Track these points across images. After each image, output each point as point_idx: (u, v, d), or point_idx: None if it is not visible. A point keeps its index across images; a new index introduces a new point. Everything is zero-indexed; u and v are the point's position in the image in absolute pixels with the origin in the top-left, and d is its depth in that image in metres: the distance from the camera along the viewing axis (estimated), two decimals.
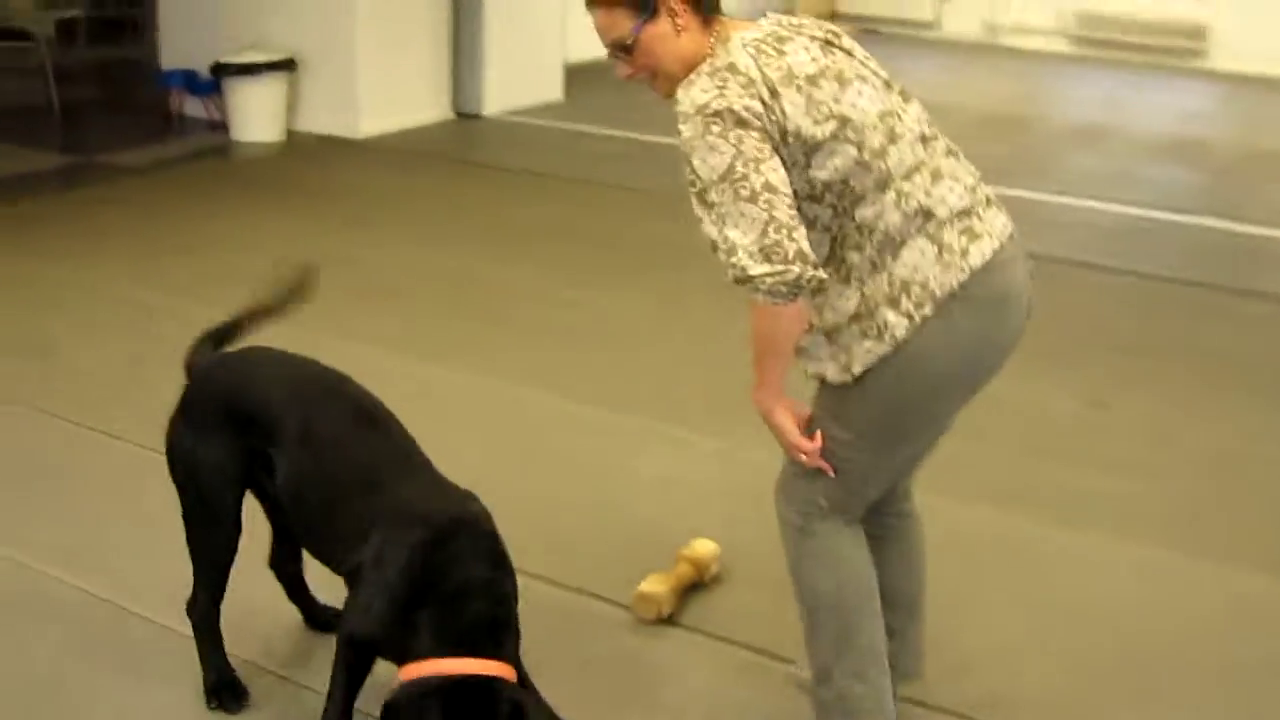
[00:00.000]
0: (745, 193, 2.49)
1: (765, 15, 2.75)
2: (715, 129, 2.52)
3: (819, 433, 2.72)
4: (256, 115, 8.65)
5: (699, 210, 2.56)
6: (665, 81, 2.70)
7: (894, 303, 2.59)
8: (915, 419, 2.74)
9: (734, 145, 2.51)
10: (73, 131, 8.97)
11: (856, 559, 2.83)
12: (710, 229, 2.55)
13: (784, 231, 2.48)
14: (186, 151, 8.54)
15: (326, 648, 2.98)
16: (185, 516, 3.10)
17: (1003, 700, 3.32)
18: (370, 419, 3.06)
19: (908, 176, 2.63)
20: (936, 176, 2.66)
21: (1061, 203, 8.04)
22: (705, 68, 2.60)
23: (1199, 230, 7.86)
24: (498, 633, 2.75)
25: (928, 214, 2.62)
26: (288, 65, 8.69)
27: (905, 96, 2.74)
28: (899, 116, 2.67)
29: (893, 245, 2.60)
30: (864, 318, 2.61)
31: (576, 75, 10.96)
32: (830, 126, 2.57)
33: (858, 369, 2.63)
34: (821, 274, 2.52)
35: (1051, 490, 4.43)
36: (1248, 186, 9.04)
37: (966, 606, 3.66)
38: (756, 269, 2.49)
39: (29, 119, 9.06)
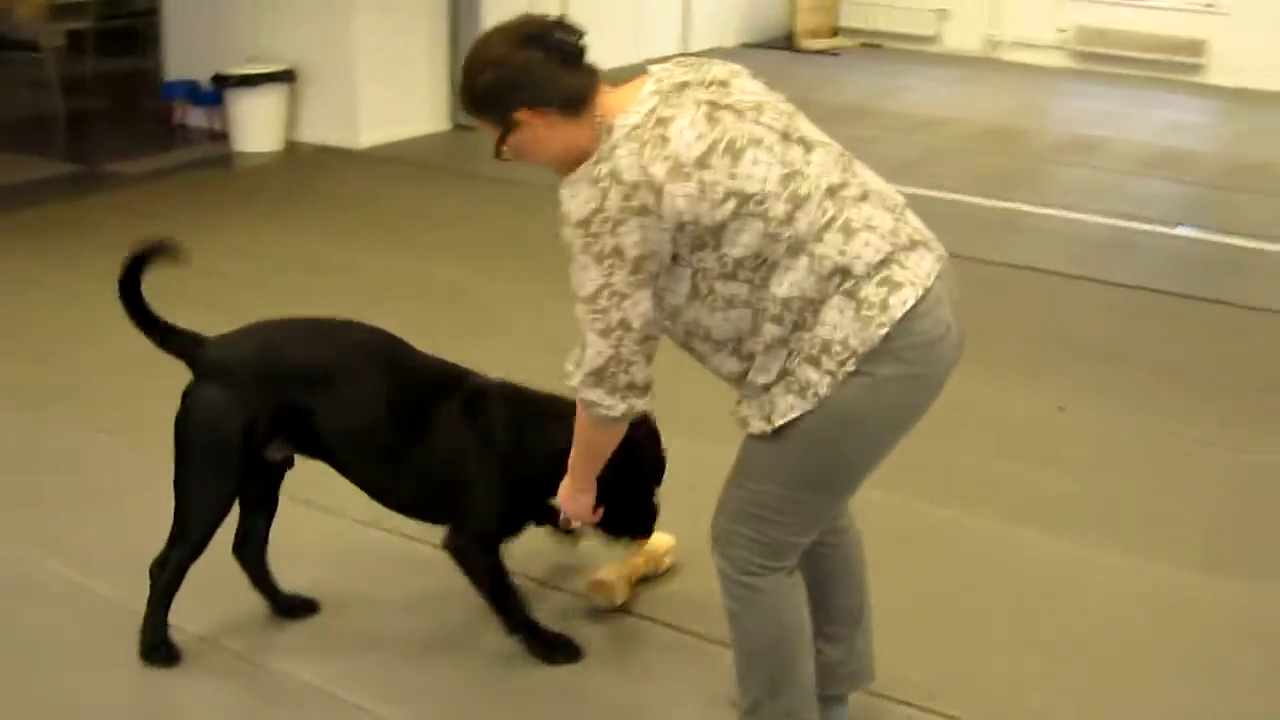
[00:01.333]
0: (599, 325, 2.61)
1: (648, 71, 2.73)
2: (593, 249, 2.57)
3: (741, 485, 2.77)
4: (257, 126, 8.80)
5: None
6: (555, 171, 2.74)
7: (815, 362, 2.59)
8: (841, 469, 2.73)
9: (604, 275, 2.59)
10: (79, 141, 9.16)
11: (796, 606, 2.85)
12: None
13: (623, 366, 2.62)
14: (188, 161, 8.68)
15: (286, 630, 3.15)
16: (183, 480, 3.27)
17: (961, 688, 3.45)
18: (392, 351, 3.42)
19: (819, 238, 2.58)
20: (850, 232, 2.59)
21: (1051, 214, 8.15)
22: (588, 171, 2.59)
23: (1181, 241, 7.99)
24: None
25: (844, 272, 2.58)
26: (287, 77, 8.84)
27: (807, 145, 2.66)
28: (802, 174, 2.61)
29: (812, 307, 2.58)
30: (788, 375, 2.62)
31: None
32: (730, 206, 2.55)
33: (778, 422, 2.63)
34: (645, 403, 2.70)
35: (1010, 490, 4.56)
36: (1232, 199, 9.16)
37: (932, 599, 3.80)
38: (589, 394, 2.68)
39: (37, 128, 9.25)
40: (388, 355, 3.41)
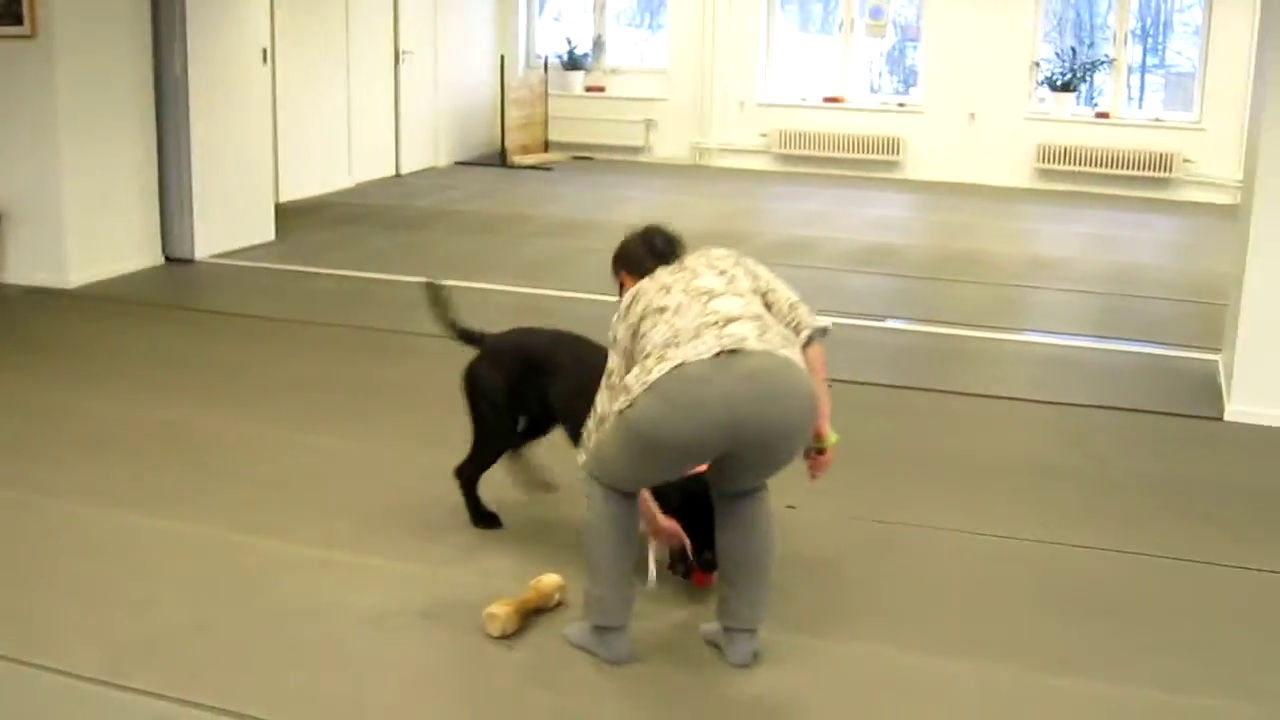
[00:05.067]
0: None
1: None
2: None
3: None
4: None
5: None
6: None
7: (625, 391, 3.95)
8: (632, 447, 3.94)
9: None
10: None
11: (617, 516, 4.06)
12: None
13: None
14: None
15: None
16: (476, 424, 4.98)
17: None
18: (589, 350, 4.74)
19: (648, 335, 4.00)
20: (656, 326, 4.00)
21: None
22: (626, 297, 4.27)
23: (896, 334, 8.32)
24: None
25: (642, 350, 4.00)
26: None
27: (692, 294, 4.06)
28: (662, 311, 4.05)
29: (634, 363, 4.02)
30: (623, 393, 3.97)
31: (289, 215, 11.05)
32: (632, 322, 4.13)
33: (618, 406, 3.96)
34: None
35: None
36: (937, 289, 9.58)
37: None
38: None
39: None
40: (577, 346, 4.89)
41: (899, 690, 4.06)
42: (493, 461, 5.05)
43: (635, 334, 4.08)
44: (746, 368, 3.86)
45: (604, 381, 4.15)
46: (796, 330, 4.12)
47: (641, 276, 4.29)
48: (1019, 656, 4.25)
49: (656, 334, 3.98)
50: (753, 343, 3.89)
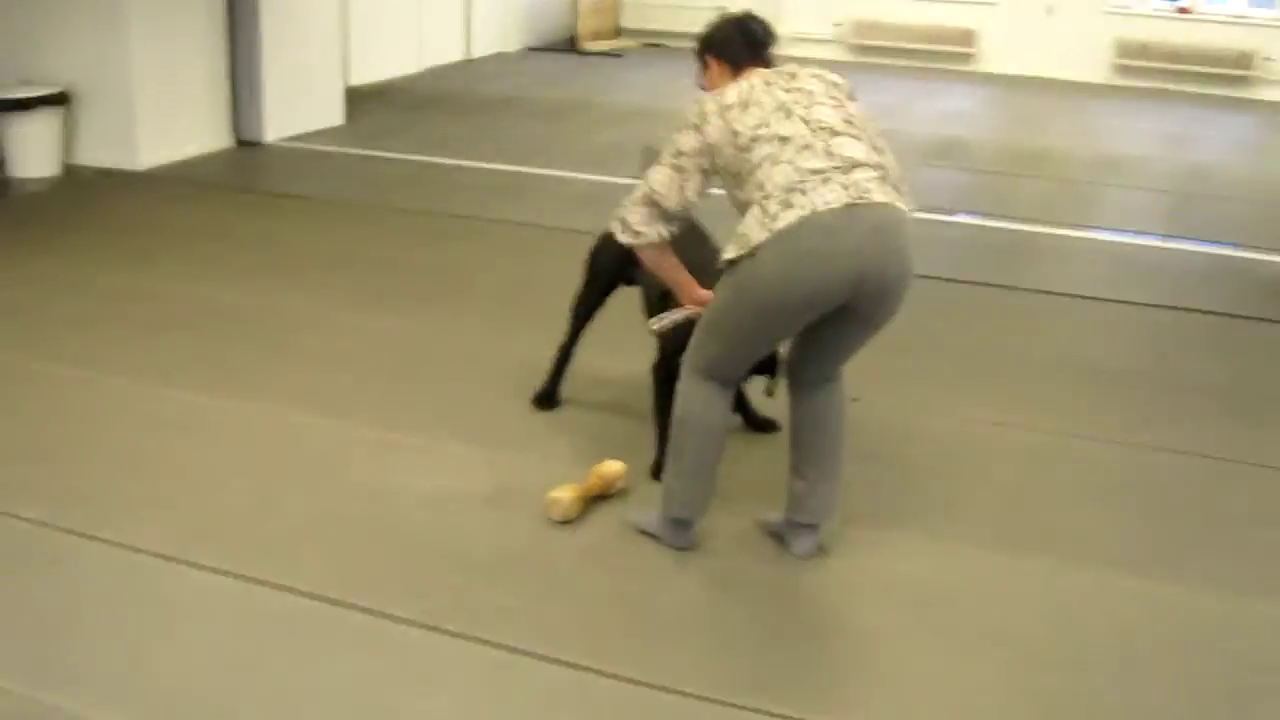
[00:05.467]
0: (666, 160, 3.96)
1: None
2: (682, 129, 4.00)
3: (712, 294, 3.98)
4: (31, 151, 8.52)
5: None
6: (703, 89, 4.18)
7: (738, 240, 3.76)
8: (748, 309, 3.80)
9: (680, 142, 3.97)
10: None
11: (708, 409, 3.99)
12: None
13: (661, 198, 3.93)
14: None
15: None
16: (580, 292, 5.07)
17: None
18: (704, 235, 4.70)
19: (760, 166, 3.76)
20: (776, 165, 3.73)
21: None
22: (706, 96, 4.00)
23: (960, 229, 8.25)
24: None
25: (762, 189, 3.74)
26: (61, 99, 8.59)
27: (790, 115, 3.83)
28: (769, 128, 3.81)
29: (746, 207, 3.79)
30: (733, 238, 3.78)
31: (358, 99, 11.03)
32: (725, 135, 3.87)
33: (726, 257, 3.79)
34: (669, 231, 3.99)
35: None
36: (1007, 185, 9.48)
37: None
38: (631, 215, 3.99)
39: None
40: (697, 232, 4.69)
41: (963, 586, 4.07)
42: (580, 329, 5.12)
43: (742, 147, 3.81)
44: (874, 220, 3.71)
45: (670, 159, 3.93)
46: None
47: (734, 65, 4.09)
48: (1079, 552, 4.26)
49: (778, 173, 3.72)
50: (876, 193, 3.73)
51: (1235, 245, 7.99)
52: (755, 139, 3.79)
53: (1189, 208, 9.00)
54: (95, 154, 8.84)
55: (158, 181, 8.62)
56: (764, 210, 3.70)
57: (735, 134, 3.82)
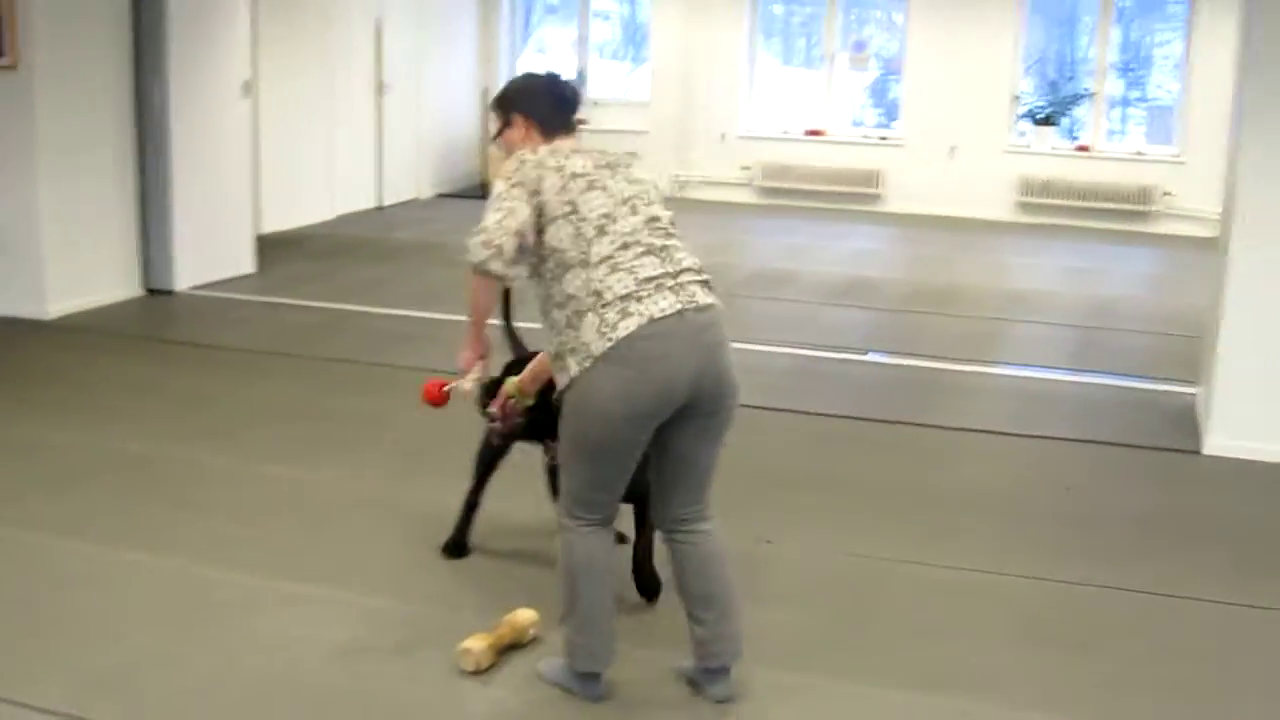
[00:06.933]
0: (493, 214, 3.85)
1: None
2: (504, 184, 3.92)
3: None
4: None
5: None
6: (506, 153, 4.09)
7: (574, 353, 3.76)
8: (587, 433, 3.79)
9: (503, 190, 3.90)
10: None
11: (589, 552, 3.92)
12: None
13: (497, 236, 3.79)
14: None
15: None
16: (482, 443, 5.03)
17: None
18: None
19: (597, 267, 3.76)
20: (615, 270, 3.75)
21: (745, 349, 8.33)
22: (519, 154, 3.97)
23: (874, 367, 8.33)
24: None
25: (598, 295, 3.74)
26: None
27: (635, 212, 3.86)
28: (614, 221, 3.82)
29: (579, 315, 3.76)
30: (562, 357, 3.80)
31: (270, 247, 11.04)
32: (565, 207, 3.82)
33: (574, 371, 3.77)
34: (499, 270, 3.83)
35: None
36: (915, 322, 9.59)
37: None
38: (472, 242, 3.83)
39: None
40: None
41: None
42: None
43: (581, 231, 3.80)
44: (701, 321, 3.81)
45: (495, 204, 3.86)
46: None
47: (544, 128, 4.06)
48: (997, 692, 4.23)
49: (617, 281, 3.74)
50: (701, 297, 3.84)
51: (1140, 377, 8.11)
52: (601, 230, 3.80)
53: (1094, 341, 9.15)
54: (3, 302, 8.75)
55: (66, 331, 8.53)
56: (601, 320, 3.73)
57: (573, 207, 3.82)
